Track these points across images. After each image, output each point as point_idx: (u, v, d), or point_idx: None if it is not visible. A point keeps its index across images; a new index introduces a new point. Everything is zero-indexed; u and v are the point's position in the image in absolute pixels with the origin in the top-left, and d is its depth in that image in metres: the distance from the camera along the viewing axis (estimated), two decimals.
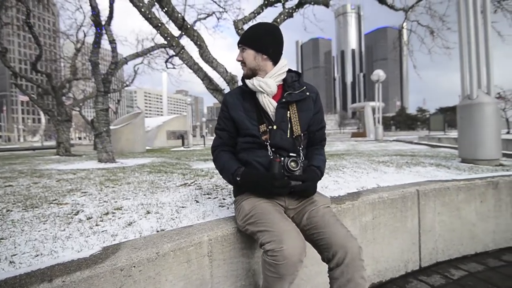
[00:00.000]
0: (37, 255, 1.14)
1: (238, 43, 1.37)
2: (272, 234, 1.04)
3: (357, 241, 1.08)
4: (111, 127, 6.48)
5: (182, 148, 13.48)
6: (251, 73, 1.34)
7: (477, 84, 3.52)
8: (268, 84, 1.29)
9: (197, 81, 4.72)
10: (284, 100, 1.30)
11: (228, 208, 1.74)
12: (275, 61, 1.34)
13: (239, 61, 1.37)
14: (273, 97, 1.33)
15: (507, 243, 2.28)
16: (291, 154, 1.24)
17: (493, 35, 3.94)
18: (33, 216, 1.71)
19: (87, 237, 1.33)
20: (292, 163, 1.20)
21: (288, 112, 1.31)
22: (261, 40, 1.31)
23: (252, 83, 1.32)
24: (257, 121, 1.31)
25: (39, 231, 1.44)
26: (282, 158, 1.22)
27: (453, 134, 13.33)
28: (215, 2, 7.45)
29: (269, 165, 1.24)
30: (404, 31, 8.76)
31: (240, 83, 1.46)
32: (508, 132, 15.58)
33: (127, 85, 17.20)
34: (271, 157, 1.25)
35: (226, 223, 1.36)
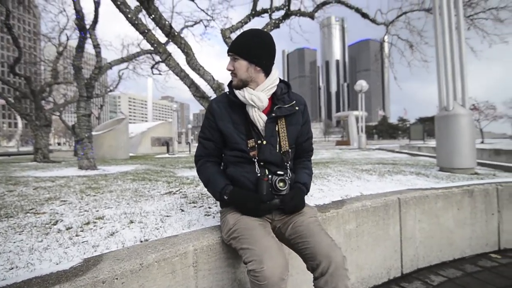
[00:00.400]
0: (12, 268, 1.09)
1: (229, 51, 1.27)
2: (253, 253, 1.03)
3: (341, 251, 1.09)
4: (93, 133, 6.30)
5: (167, 155, 13.26)
6: (241, 84, 1.27)
7: (453, 96, 3.71)
8: (260, 98, 1.24)
9: (183, 87, 4.70)
10: (274, 114, 1.27)
11: (214, 217, 1.72)
12: (267, 73, 1.29)
13: (229, 70, 1.28)
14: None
15: (482, 249, 2.38)
16: (278, 172, 1.23)
17: (467, 50, 4.19)
18: (8, 226, 1.63)
19: (66, 248, 1.28)
20: (280, 183, 1.20)
21: (277, 126, 1.28)
22: (255, 50, 1.23)
23: (243, 95, 1.26)
24: (245, 135, 1.27)
25: (14, 242, 1.37)
26: (270, 176, 1.21)
27: (432, 143, 13.87)
28: (203, 10, 7.51)
29: (257, 182, 1.23)
30: (386, 44, 9.15)
31: (227, 89, 1.39)
32: (482, 142, 16.39)
33: (111, 90, 16.83)
34: (259, 174, 1.24)
35: (212, 232, 1.35)
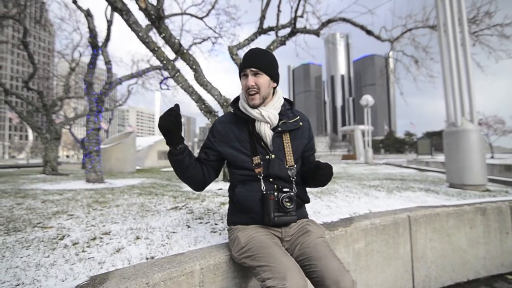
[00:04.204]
0: (18, 285, 1.09)
1: (250, 67, 1.24)
2: (274, 270, 1.00)
3: (350, 275, 1.06)
4: (101, 147, 6.39)
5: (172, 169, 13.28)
6: (261, 102, 1.27)
7: (461, 112, 3.69)
8: (275, 115, 1.27)
9: (190, 102, 4.78)
10: (280, 129, 1.28)
11: (220, 234, 1.70)
12: (274, 90, 1.34)
13: (252, 86, 1.24)
14: None
15: (498, 270, 2.28)
16: (284, 189, 1.22)
17: (473, 66, 4.19)
18: (16, 240, 1.64)
19: (72, 264, 1.27)
20: (287, 201, 1.19)
21: (282, 141, 1.30)
22: (275, 67, 1.29)
23: (259, 113, 1.26)
24: (251, 152, 1.28)
25: (21, 257, 1.37)
26: (276, 194, 1.20)
27: (440, 158, 13.64)
28: (211, 28, 7.74)
29: (262, 200, 1.23)
30: (390, 60, 9.22)
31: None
32: (492, 157, 16.07)
33: (120, 105, 17.18)
34: (264, 192, 1.23)
35: (219, 250, 1.33)
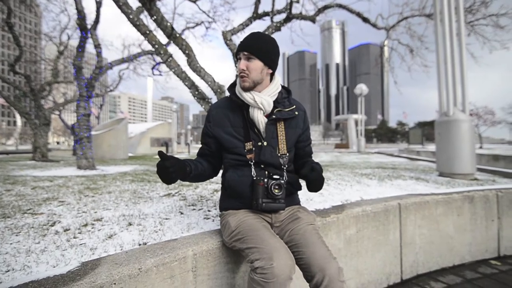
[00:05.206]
0: (8, 271, 1.07)
1: (242, 50, 1.23)
2: (262, 251, 1.01)
3: (336, 262, 1.07)
4: (92, 133, 6.28)
5: None
6: (252, 86, 1.25)
7: (453, 102, 3.72)
8: (269, 102, 1.25)
9: (183, 88, 4.71)
10: (274, 117, 1.27)
11: (213, 220, 1.71)
12: (272, 77, 1.32)
13: (242, 70, 1.23)
14: None
15: (482, 256, 2.37)
16: (274, 176, 1.21)
17: (467, 56, 4.21)
18: (5, 227, 1.61)
19: (64, 250, 1.26)
20: (276, 189, 1.18)
21: (276, 128, 1.29)
22: (271, 53, 1.26)
23: (252, 98, 1.25)
24: (243, 137, 1.27)
25: (11, 243, 1.35)
26: (266, 180, 1.19)
27: (431, 147, 13.88)
28: (204, 12, 7.52)
29: (252, 186, 1.23)
30: (386, 49, 9.18)
31: (227, 93, 1.37)
32: (480, 147, 16.43)
33: (111, 90, 16.81)
34: (254, 178, 1.23)
35: (211, 236, 1.34)
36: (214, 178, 1.52)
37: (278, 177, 1.21)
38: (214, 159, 1.37)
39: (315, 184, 1.23)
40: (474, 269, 2.19)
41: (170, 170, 1.10)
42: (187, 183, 3.23)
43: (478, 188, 2.59)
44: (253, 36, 1.27)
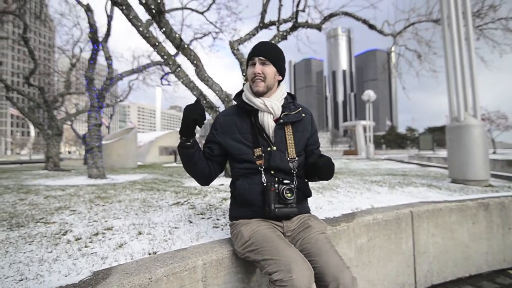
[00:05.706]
0: (22, 280, 1.09)
1: (258, 55, 1.27)
2: (279, 263, 1.00)
3: (350, 272, 1.05)
4: (102, 142, 6.40)
5: (174, 164, 13.31)
6: (266, 91, 1.29)
7: (464, 107, 3.66)
8: (278, 106, 1.28)
9: (191, 97, 4.77)
10: (282, 121, 1.28)
11: (222, 229, 1.70)
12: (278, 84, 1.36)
13: (258, 73, 1.26)
14: None
15: (500, 265, 2.28)
16: (285, 181, 1.21)
17: (477, 61, 4.15)
18: (19, 236, 1.65)
19: (75, 259, 1.28)
20: (288, 193, 1.18)
21: (284, 133, 1.30)
22: (282, 61, 1.32)
23: (262, 102, 1.27)
24: (252, 144, 1.27)
25: (24, 252, 1.38)
26: (277, 186, 1.20)
27: (442, 153, 13.60)
28: (212, 23, 7.67)
29: (263, 192, 1.22)
30: (393, 55, 9.13)
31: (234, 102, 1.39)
32: (494, 152, 16.00)
33: (121, 100, 17.17)
34: (265, 184, 1.23)
35: (221, 245, 1.33)
36: (223, 187, 1.52)
37: (288, 181, 1.22)
38: (213, 163, 1.36)
39: (325, 170, 1.23)
40: (492, 280, 2.11)
41: (199, 111, 1.17)
42: (196, 191, 3.25)
43: (494, 195, 2.52)
44: (266, 43, 1.33)
